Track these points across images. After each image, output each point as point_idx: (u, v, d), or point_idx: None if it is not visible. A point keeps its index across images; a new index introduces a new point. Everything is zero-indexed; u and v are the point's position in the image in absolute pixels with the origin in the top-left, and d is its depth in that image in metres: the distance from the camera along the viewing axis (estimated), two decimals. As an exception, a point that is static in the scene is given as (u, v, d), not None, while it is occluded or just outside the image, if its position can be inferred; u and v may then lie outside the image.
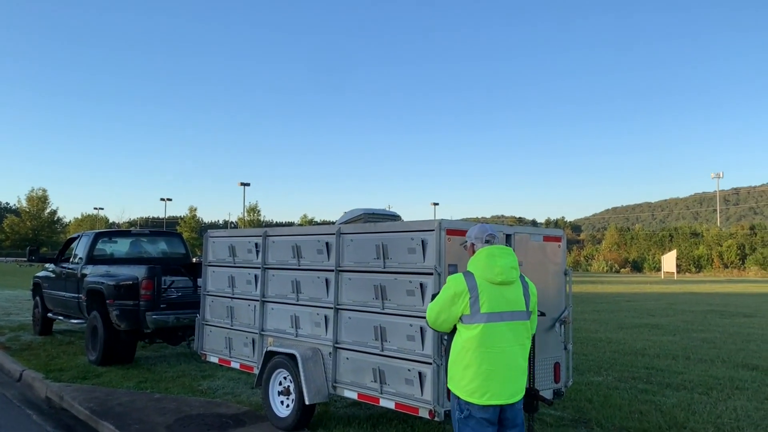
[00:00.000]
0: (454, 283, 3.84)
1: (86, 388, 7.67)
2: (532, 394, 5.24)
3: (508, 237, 5.31)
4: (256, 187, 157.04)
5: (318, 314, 5.95)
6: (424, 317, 4.79)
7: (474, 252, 4.04)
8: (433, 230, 4.90)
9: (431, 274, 4.85)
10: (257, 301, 6.72)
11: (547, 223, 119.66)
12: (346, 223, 6.28)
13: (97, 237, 10.86)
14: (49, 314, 11.63)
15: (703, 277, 59.93)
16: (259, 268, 6.76)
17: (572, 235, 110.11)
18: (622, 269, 74.88)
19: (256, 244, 6.84)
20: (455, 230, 4.86)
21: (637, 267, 75.57)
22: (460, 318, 3.80)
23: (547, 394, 5.48)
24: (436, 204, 79.40)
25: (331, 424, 6.04)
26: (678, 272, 58.62)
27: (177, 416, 6.42)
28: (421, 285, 4.97)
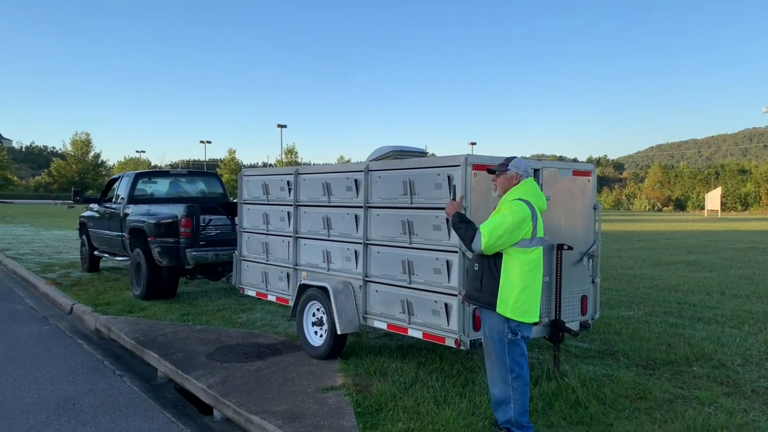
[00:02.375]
0: (522, 209, 4.08)
1: (132, 320, 8.08)
2: (557, 326, 5.36)
3: (536, 171, 5.29)
4: (293, 129, 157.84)
5: (348, 249, 6.10)
6: (450, 251, 4.94)
7: (518, 182, 4.27)
8: (458, 165, 4.92)
9: (457, 208, 4.89)
10: (290, 237, 6.90)
11: (589, 161, 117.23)
12: (374, 160, 6.33)
13: (138, 177, 11.18)
14: (96, 252, 12.15)
15: (749, 215, 58.39)
16: (291, 205, 6.91)
17: (614, 174, 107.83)
18: (665, 208, 73.38)
19: (288, 182, 6.97)
20: (481, 165, 4.86)
21: (680, 205, 73.98)
22: (517, 242, 4.05)
23: (574, 326, 5.58)
24: (473, 144, 78.22)
25: (362, 353, 6.28)
26: (723, 210, 57.24)
27: (217, 345, 6.75)
28: (447, 220, 5.03)
